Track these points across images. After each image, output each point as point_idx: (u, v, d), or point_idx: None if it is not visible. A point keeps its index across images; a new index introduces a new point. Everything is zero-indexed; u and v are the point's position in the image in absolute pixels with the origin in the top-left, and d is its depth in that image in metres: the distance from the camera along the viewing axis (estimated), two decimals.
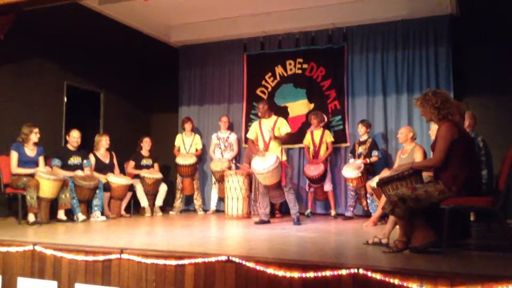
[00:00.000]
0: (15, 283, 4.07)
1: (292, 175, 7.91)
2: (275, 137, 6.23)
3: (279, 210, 7.38)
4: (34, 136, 6.21)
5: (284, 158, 6.28)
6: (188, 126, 8.08)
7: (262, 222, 6.25)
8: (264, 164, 5.97)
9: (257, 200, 7.03)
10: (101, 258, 3.85)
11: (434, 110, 3.93)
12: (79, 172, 6.55)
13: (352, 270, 3.14)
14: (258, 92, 8.29)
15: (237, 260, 3.47)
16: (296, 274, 3.26)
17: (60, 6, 5.97)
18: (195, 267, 3.58)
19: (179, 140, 8.14)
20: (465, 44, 7.21)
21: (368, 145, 6.86)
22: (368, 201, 6.61)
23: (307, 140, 7.39)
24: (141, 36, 8.29)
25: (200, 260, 3.57)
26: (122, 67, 8.58)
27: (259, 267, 3.38)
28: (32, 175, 6.03)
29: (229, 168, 7.69)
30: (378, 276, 3.07)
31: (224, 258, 3.52)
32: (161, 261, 3.68)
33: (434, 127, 5.26)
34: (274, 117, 6.39)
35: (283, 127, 6.29)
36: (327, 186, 7.15)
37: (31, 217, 5.81)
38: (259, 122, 6.45)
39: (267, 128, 6.30)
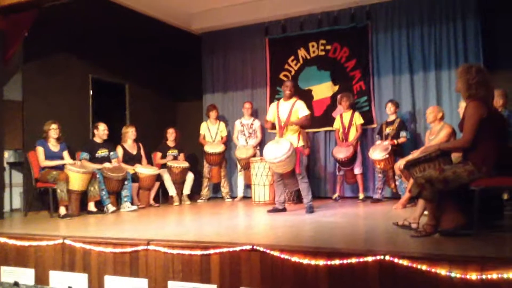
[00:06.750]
0: (48, 276, 4.17)
1: (318, 159, 7.84)
2: (290, 122, 5.80)
3: None
4: (53, 133, 6.30)
5: (301, 143, 5.83)
6: (213, 113, 8.05)
7: (275, 210, 5.92)
8: (276, 153, 5.54)
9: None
10: (128, 250, 3.89)
11: (465, 85, 3.78)
12: (107, 164, 6.64)
13: (378, 257, 3.07)
14: (281, 76, 8.18)
15: (261, 249, 3.45)
16: (321, 262, 3.22)
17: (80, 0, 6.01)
18: (220, 257, 3.58)
19: (204, 128, 8.14)
20: (496, 14, 6.84)
21: (396, 126, 6.71)
22: (397, 183, 6.48)
23: (337, 123, 7.27)
24: (163, 26, 8.29)
25: (225, 249, 3.57)
26: (145, 58, 8.60)
27: (284, 256, 3.36)
28: (61, 168, 6.15)
29: (254, 155, 7.66)
30: (405, 263, 2.99)
31: (248, 247, 3.50)
32: (187, 252, 3.69)
33: (462, 104, 5.08)
34: (293, 99, 5.97)
35: (301, 110, 5.87)
36: (357, 169, 7.05)
37: (62, 210, 5.95)
38: (277, 104, 6.10)
39: (285, 110, 5.92)
